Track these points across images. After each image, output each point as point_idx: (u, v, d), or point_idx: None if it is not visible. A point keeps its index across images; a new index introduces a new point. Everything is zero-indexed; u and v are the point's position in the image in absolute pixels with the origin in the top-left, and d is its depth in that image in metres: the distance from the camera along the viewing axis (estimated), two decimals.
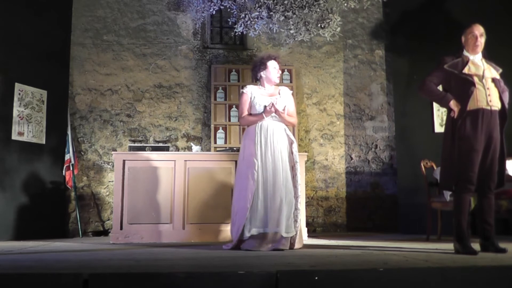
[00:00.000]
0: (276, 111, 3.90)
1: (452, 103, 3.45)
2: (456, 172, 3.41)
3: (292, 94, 4.24)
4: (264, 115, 3.92)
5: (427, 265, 2.69)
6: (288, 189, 3.83)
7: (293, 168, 3.94)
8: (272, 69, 4.06)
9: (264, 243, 3.75)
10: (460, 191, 3.42)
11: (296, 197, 3.88)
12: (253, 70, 4.14)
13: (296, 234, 3.87)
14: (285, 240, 3.78)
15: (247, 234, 3.78)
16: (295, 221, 3.85)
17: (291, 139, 3.98)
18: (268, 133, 3.90)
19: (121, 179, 4.91)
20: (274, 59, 4.09)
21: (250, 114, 4.02)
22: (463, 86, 3.44)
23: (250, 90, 4.05)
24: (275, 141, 3.89)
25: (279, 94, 4.08)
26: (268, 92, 4.07)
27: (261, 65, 4.07)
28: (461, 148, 3.38)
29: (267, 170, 3.82)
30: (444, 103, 3.51)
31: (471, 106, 3.40)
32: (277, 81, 4.11)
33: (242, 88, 4.17)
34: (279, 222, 3.75)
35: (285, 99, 4.06)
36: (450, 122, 3.50)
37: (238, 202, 3.88)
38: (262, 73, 4.07)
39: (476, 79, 3.43)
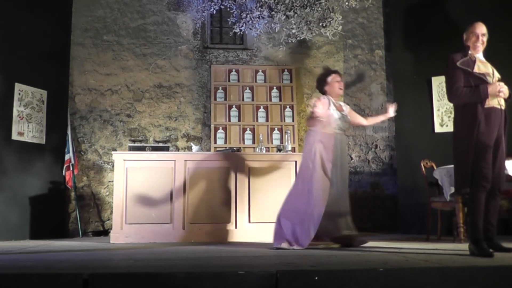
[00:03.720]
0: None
1: (490, 90, 3.30)
2: (470, 170, 3.30)
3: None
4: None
5: (427, 265, 2.69)
6: (347, 194, 4.21)
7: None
8: (334, 83, 4.28)
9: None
10: (475, 189, 3.29)
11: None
12: (318, 85, 4.41)
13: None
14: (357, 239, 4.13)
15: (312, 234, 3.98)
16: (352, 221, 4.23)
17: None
18: (338, 143, 4.19)
19: (121, 179, 4.91)
20: (335, 72, 4.34)
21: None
22: (477, 86, 3.34)
23: (328, 97, 4.25)
24: (342, 150, 4.25)
25: (343, 109, 4.32)
26: (337, 105, 4.30)
27: (324, 79, 4.32)
28: (478, 145, 3.28)
29: (338, 176, 4.12)
30: (482, 95, 3.32)
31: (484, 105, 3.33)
32: (341, 93, 4.42)
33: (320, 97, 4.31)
34: (343, 224, 4.13)
35: (349, 113, 4.40)
36: (467, 120, 3.36)
37: (308, 205, 4.01)
38: (326, 88, 4.29)
39: (488, 79, 3.36)
